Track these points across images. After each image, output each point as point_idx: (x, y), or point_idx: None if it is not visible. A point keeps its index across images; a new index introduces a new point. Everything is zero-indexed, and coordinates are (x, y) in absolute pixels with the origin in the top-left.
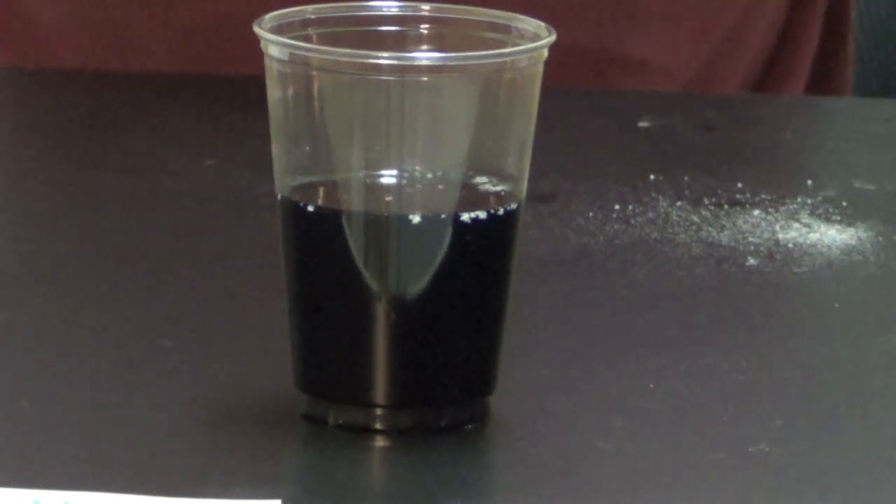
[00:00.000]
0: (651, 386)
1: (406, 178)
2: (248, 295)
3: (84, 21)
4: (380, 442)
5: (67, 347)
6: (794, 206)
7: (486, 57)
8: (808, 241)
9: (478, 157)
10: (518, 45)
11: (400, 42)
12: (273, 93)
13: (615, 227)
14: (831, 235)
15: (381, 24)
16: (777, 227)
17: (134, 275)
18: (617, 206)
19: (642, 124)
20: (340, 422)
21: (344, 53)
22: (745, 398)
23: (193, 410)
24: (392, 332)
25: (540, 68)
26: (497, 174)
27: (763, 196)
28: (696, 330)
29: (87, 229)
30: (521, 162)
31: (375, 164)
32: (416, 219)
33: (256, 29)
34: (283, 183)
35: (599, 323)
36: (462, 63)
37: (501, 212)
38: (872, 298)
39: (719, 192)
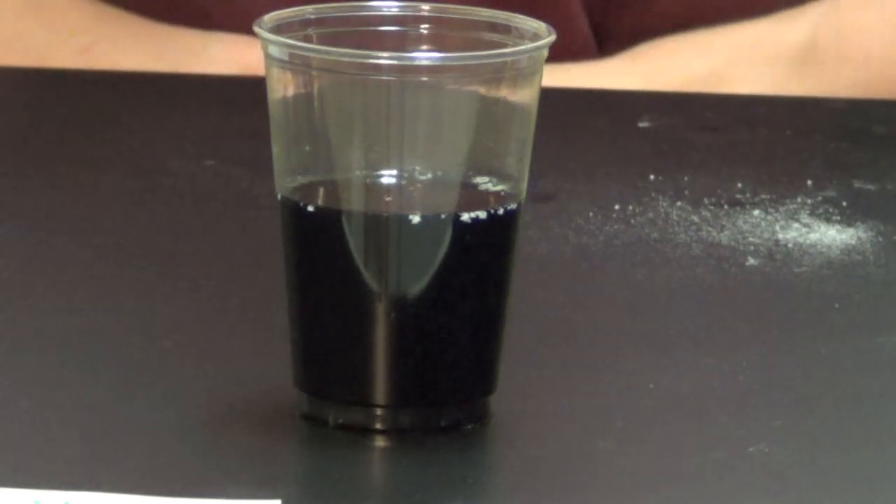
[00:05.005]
0: (651, 386)
1: (406, 178)
2: (248, 295)
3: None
4: (380, 442)
5: (67, 347)
6: (794, 206)
7: (486, 57)
8: (808, 241)
9: (478, 157)
10: (518, 45)
11: (400, 42)
12: (273, 93)
13: (615, 227)
14: (831, 235)
15: (381, 24)
16: (777, 227)
17: (134, 275)
18: (617, 206)
19: (642, 124)
20: (340, 422)
21: (344, 53)
22: (745, 398)
23: (193, 410)
24: (392, 332)
25: (540, 68)
26: (497, 174)
27: (763, 196)
28: (696, 330)
29: (87, 229)
30: (521, 162)
31: (375, 164)
32: (416, 219)
33: (256, 29)
34: (283, 183)
35: (599, 323)
36: (462, 63)
37: (501, 212)
38: (872, 298)
39: (719, 192)
